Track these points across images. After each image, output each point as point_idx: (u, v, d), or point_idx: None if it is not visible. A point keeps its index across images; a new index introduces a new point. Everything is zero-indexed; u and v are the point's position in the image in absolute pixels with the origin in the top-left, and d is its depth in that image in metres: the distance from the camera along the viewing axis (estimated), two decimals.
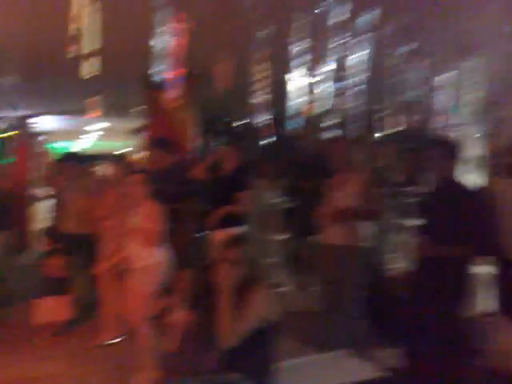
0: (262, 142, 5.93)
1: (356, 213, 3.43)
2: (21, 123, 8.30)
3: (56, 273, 4.29)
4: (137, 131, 12.03)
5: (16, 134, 7.78)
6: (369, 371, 2.77)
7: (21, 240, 8.17)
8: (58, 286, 4.26)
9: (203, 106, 6.10)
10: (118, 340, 4.08)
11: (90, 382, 3.47)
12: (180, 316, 2.61)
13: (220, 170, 4.34)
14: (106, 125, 11.45)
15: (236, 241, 2.65)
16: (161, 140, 4.71)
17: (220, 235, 3.76)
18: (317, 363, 2.90)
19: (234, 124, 5.99)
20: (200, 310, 2.49)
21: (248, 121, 5.75)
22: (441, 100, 5.01)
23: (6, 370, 3.62)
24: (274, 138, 6.37)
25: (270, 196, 5.16)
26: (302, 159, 5.96)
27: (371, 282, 3.52)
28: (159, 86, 5.38)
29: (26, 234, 8.73)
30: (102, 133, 13.10)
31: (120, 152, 15.74)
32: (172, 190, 4.24)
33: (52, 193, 5.76)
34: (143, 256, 3.35)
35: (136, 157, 11.32)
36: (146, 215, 3.35)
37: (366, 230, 3.55)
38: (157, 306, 3.31)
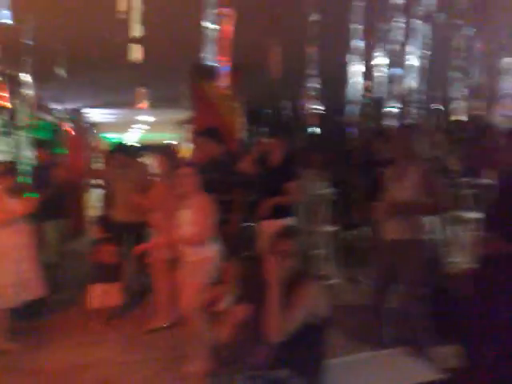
0: (311, 132, 5.79)
1: (415, 207, 3.22)
2: (74, 115, 8.56)
3: (108, 260, 4.37)
4: (184, 122, 12.20)
5: (69, 126, 8.03)
6: (427, 372, 2.61)
7: (75, 227, 8.50)
8: (110, 273, 4.34)
9: (250, 96, 6.05)
10: (169, 327, 4.13)
11: (141, 368, 3.51)
12: (231, 308, 2.56)
13: (267, 162, 4.27)
14: (154, 117, 11.64)
15: (287, 232, 2.57)
16: (209, 130, 4.66)
17: (270, 226, 3.70)
18: (371, 361, 2.76)
19: (282, 114, 5.87)
20: (250, 303, 2.43)
21: (296, 110, 5.62)
22: (506, 86, 4.67)
23: (60, 355, 3.74)
24: (325, 127, 6.21)
25: (318, 186, 5.02)
26: (354, 148, 5.79)
27: (432, 277, 3.33)
28: (206, 76, 5.39)
29: (80, 221, 9.08)
30: (150, 125, 13.35)
31: (168, 143, 16.07)
32: (220, 180, 4.20)
33: (102, 182, 5.91)
34: (195, 248, 3.35)
35: (183, 148, 11.48)
36: (198, 207, 3.34)
37: (426, 222, 3.35)
38: (207, 296, 3.31)
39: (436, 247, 3.94)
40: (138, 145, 17.56)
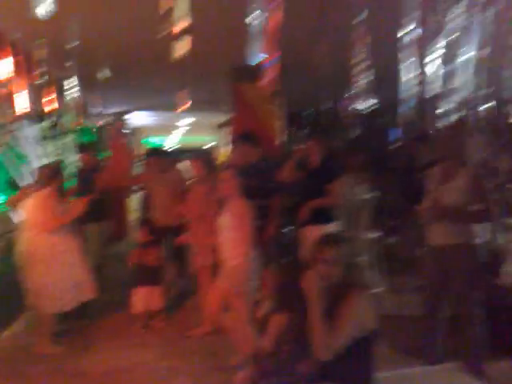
0: (352, 133, 5.63)
1: (465, 213, 3.03)
2: (117, 119, 8.74)
3: (151, 262, 4.37)
4: (223, 125, 12.25)
5: (112, 129, 8.20)
6: None
7: (117, 230, 8.66)
8: (152, 276, 4.35)
9: (290, 98, 5.96)
10: (211, 333, 4.08)
11: (181, 374, 3.48)
12: (270, 316, 2.47)
13: (307, 165, 4.17)
14: (193, 119, 11.75)
15: (331, 239, 2.45)
16: (246, 134, 4.60)
17: (312, 232, 3.60)
18: (422, 376, 2.61)
19: (323, 115, 5.75)
20: (290, 312, 2.33)
21: (337, 111, 5.48)
22: None
23: (102, 358, 3.77)
24: (367, 129, 6.04)
25: (359, 190, 4.84)
26: (394, 150, 5.59)
27: (486, 287, 3.12)
28: (246, 78, 5.35)
29: (122, 224, 9.24)
30: (189, 128, 13.49)
31: (206, 147, 16.21)
32: (258, 186, 4.12)
33: (142, 186, 5.97)
34: (234, 254, 3.29)
35: (222, 151, 11.52)
36: (237, 213, 3.28)
37: (476, 228, 3.14)
38: (247, 303, 3.28)
39: (488, 254, 3.71)
40: (177, 149, 17.83)
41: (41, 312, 3.85)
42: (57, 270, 3.82)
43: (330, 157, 4.17)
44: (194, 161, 4.34)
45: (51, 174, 3.98)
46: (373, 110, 5.24)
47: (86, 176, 5.53)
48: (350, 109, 5.10)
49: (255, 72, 5.29)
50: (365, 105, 4.42)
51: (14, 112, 5.95)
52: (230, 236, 3.29)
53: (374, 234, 4.85)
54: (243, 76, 5.30)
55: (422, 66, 2.42)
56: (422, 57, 2.37)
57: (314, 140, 4.13)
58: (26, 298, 3.86)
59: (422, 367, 2.90)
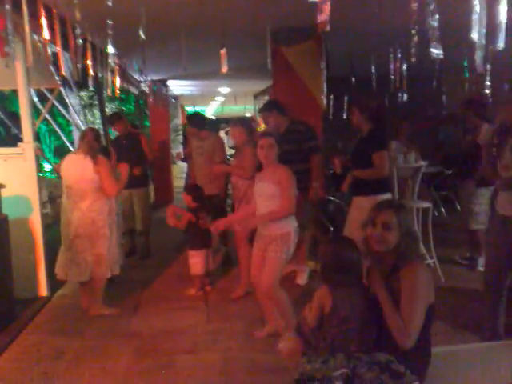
0: (401, 98, 5.33)
1: None
2: (157, 87, 8.69)
3: (202, 226, 4.39)
4: (260, 94, 12.02)
5: (153, 98, 8.16)
6: None
7: (162, 197, 8.78)
8: (203, 240, 4.39)
9: (333, 61, 5.70)
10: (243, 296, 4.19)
11: (228, 335, 3.53)
12: (315, 288, 2.36)
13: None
14: (230, 89, 11.58)
15: (390, 203, 2.31)
16: (274, 102, 4.69)
17: (365, 202, 3.48)
18: (479, 353, 2.46)
19: (368, 79, 5.47)
20: (335, 288, 2.21)
21: (385, 75, 5.20)
22: None
23: (151, 321, 3.86)
24: (417, 93, 5.71)
25: (409, 159, 4.62)
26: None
27: None
28: (288, 41, 5.13)
29: (167, 191, 9.38)
30: (226, 96, 13.35)
31: (244, 115, 16.06)
32: (293, 149, 4.18)
33: (183, 154, 5.95)
34: (275, 222, 3.22)
35: (258, 120, 11.35)
36: (278, 180, 3.20)
37: None
38: (286, 271, 3.24)
39: None
40: (216, 118, 17.80)
41: (96, 278, 3.90)
42: (115, 235, 3.93)
43: (379, 125, 3.96)
44: (233, 128, 4.26)
45: (95, 140, 3.93)
46: (424, 72, 4.94)
47: (125, 144, 5.55)
48: (397, 72, 4.82)
49: (298, 34, 5.09)
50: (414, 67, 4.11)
51: (55, 79, 6.00)
52: (270, 203, 3.21)
53: (425, 204, 4.64)
54: (286, 39, 5.08)
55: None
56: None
57: (358, 109, 3.93)
58: (72, 268, 3.87)
59: (480, 343, 2.76)
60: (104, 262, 3.85)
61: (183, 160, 7.63)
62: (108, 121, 6.31)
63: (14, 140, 7.49)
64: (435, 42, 2.09)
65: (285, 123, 4.44)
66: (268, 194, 3.23)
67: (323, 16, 2.05)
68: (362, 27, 4.85)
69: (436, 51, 2.11)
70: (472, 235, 4.86)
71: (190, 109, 15.46)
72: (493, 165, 3.02)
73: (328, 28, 2.09)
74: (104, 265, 3.86)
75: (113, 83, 4.48)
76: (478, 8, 2.03)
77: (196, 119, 5.29)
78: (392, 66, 4.83)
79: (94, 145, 3.89)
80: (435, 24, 2.06)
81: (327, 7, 2.05)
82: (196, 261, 4.33)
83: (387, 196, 3.82)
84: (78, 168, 3.82)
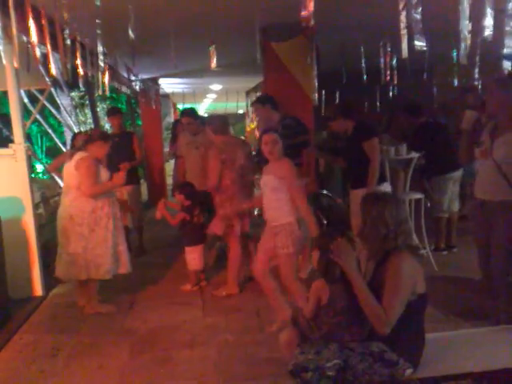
0: (391, 91, 5.38)
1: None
2: (148, 85, 8.66)
3: (197, 221, 4.42)
4: (252, 91, 12.03)
5: (144, 96, 8.15)
6: None
7: (157, 194, 8.76)
8: (197, 236, 4.41)
9: (323, 56, 5.71)
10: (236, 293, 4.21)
11: (225, 330, 3.55)
12: (313, 281, 2.39)
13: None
14: (221, 86, 11.58)
15: (377, 196, 2.32)
16: (266, 97, 4.72)
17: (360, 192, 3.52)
18: (472, 338, 2.50)
19: (358, 74, 5.49)
20: (331, 281, 2.24)
21: (373, 69, 5.22)
22: None
23: (149, 316, 3.88)
24: (407, 86, 5.75)
25: (399, 150, 4.65)
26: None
27: None
28: (278, 37, 5.14)
29: (160, 188, 9.36)
30: (217, 94, 13.34)
31: (236, 112, 16.05)
32: (288, 144, 4.14)
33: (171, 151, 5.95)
34: (281, 214, 3.30)
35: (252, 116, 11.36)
36: (283, 174, 3.29)
37: None
38: (294, 263, 3.32)
39: None
40: (208, 115, 17.75)
41: (80, 278, 3.89)
42: (97, 235, 3.80)
43: (358, 118, 4.07)
44: (207, 127, 4.29)
45: (87, 139, 3.93)
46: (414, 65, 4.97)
47: (118, 142, 5.53)
48: (386, 65, 4.85)
49: (286, 31, 5.10)
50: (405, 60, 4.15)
51: (45, 80, 5.98)
52: (276, 197, 3.30)
53: (417, 195, 4.69)
54: (275, 35, 5.09)
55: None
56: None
57: (341, 114, 4.01)
58: (60, 264, 3.88)
59: (472, 330, 2.80)
60: (78, 261, 3.77)
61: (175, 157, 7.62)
62: (107, 113, 6.33)
63: (5, 141, 7.45)
64: (418, 34, 2.12)
65: (276, 118, 4.46)
66: (271, 187, 3.33)
67: (307, 11, 2.08)
68: (350, 21, 4.86)
69: (419, 43, 2.14)
70: (435, 223, 5.01)
71: (181, 106, 15.44)
72: (470, 150, 3.11)
73: (312, 22, 2.12)
74: (78, 265, 3.78)
75: (103, 83, 4.48)
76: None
77: (190, 111, 5.37)
78: (382, 60, 4.87)
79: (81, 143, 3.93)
80: (418, 17, 2.09)
81: (311, 2, 2.08)
82: (193, 256, 4.35)
83: (385, 186, 3.89)
84: (69, 164, 3.85)
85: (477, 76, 4.56)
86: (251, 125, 12.29)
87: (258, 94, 10.58)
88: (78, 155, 3.82)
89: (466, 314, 3.48)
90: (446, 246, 5.07)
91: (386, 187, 3.91)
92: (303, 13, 2.15)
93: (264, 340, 3.29)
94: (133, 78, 7.28)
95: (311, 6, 2.17)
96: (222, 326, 3.61)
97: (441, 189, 4.85)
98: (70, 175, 3.83)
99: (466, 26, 2.05)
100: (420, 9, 2.08)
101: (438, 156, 4.75)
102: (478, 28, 2.20)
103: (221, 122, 4.27)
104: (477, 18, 2.17)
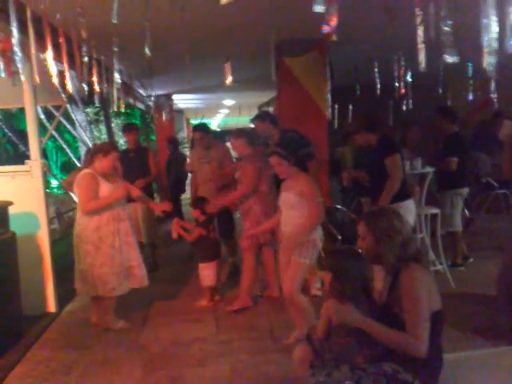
0: (406, 106, 5.34)
1: None
2: (162, 101, 8.75)
3: (213, 237, 4.43)
4: (264, 105, 12.09)
5: (158, 112, 8.23)
6: None
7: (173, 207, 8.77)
8: (211, 252, 4.39)
9: (337, 72, 5.71)
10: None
11: (238, 347, 3.50)
12: (324, 298, 2.34)
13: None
14: (234, 102, 11.65)
15: (381, 212, 2.29)
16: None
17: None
18: (492, 358, 2.41)
19: (371, 89, 5.48)
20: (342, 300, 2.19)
21: (387, 85, 5.20)
22: None
23: (162, 333, 3.84)
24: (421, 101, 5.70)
25: (417, 164, 4.59)
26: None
27: None
28: (293, 52, 5.16)
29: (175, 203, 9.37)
30: (231, 109, 13.42)
31: (248, 126, 16.10)
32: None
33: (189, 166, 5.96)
34: (300, 229, 3.28)
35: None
36: (300, 191, 3.27)
37: None
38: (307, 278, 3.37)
39: None
40: (221, 130, 17.88)
41: (90, 294, 3.87)
42: (103, 252, 3.71)
43: (384, 135, 4.06)
44: (234, 140, 4.26)
45: (92, 154, 3.89)
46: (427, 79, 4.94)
47: (129, 156, 5.56)
48: (399, 81, 4.83)
49: (302, 45, 5.12)
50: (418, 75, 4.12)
51: (61, 96, 6.06)
52: (292, 213, 3.29)
53: (433, 210, 4.61)
54: (289, 50, 5.11)
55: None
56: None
57: (365, 128, 4.01)
58: (76, 279, 3.87)
59: (490, 349, 2.72)
60: (86, 278, 3.74)
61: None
62: (122, 129, 6.41)
63: (21, 157, 7.56)
64: (450, 47, 2.03)
65: (276, 134, 4.48)
66: (290, 204, 3.31)
67: (330, 26, 2.03)
68: (366, 36, 4.86)
69: (451, 57, 2.06)
70: (451, 238, 4.94)
71: (195, 122, 15.58)
72: None
73: (335, 38, 2.07)
74: (87, 282, 3.75)
75: (118, 99, 4.52)
76: (488, 12, 2.00)
77: (202, 126, 5.43)
78: (396, 74, 4.84)
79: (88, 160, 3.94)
80: (448, 29, 2.02)
81: (335, 17, 2.03)
82: (209, 273, 4.32)
83: (409, 202, 3.82)
84: (75, 182, 3.85)
85: (493, 89, 4.51)
86: None
87: (271, 108, 10.63)
88: (81, 172, 3.83)
89: (485, 333, 3.38)
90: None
91: (409, 204, 3.82)
92: (325, 27, 2.10)
93: (277, 359, 3.23)
94: (147, 93, 7.36)
95: (334, 21, 2.10)
96: (235, 344, 3.55)
97: (454, 203, 4.80)
98: (75, 193, 3.86)
99: (492, 39, 1.97)
100: (450, 22, 1.99)
101: (457, 169, 4.70)
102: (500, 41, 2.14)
103: (250, 136, 4.31)
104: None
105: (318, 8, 1.91)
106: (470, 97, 5.43)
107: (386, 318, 2.05)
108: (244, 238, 4.09)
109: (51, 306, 4.31)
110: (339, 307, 2.10)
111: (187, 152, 11.69)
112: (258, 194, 4.08)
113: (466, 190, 4.90)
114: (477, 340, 3.32)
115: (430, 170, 4.58)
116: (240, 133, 4.39)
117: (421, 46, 2.28)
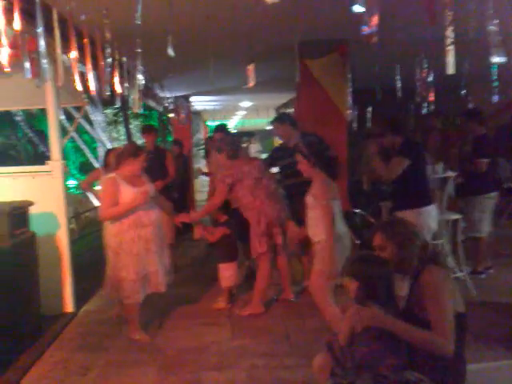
0: (427, 109, 5.25)
1: None
2: (181, 103, 8.78)
3: (233, 238, 4.42)
4: (281, 107, 12.03)
5: (176, 114, 8.25)
6: None
7: (186, 208, 8.80)
8: (231, 253, 4.40)
9: (358, 74, 5.66)
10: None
11: (254, 352, 3.46)
12: (349, 308, 2.28)
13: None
14: (251, 103, 11.63)
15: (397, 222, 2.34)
16: (286, 116, 4.81)
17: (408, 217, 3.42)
18: None
19: (393, 92, 5.41)
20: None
21: (410, 88, 5.13)
22: None
23: (177, 336, 3.83)
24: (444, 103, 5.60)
25: (439, 169, 4.50)
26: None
27: None
28: (314, 54, 5.11)
29: (190, 204, 9.40)
30: (247, 111, 13.41)
31: (264, 128, 16.10)
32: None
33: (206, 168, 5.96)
34: (317, 232, 3.32)
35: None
36: (314, 192, 3.32)
37: None
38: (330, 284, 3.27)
39: None
40: (238, 131, 17.92)
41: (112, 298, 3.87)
42: (121, 258, 3.60)
43: (411, 138, 4.05)
44: (279, 125, 4.45)
45: (121, 157, 3.73)
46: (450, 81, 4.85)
47: (149, 157, 5.55)
48: (422, 84, 4.75)
49: (323, 47, 5.08)
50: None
51: (83, 97, 6.10)
52: (313, 214, 3.35)
53: (454, 215, 4.52)
54: (310, 52, 5.06)
55: None
56: None
57: (391, 130, 3.94)
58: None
59: None
60: (109, 282, 3.74)
61: (205, 174, 7.66)
62: (142, 130, 6.47)
63: (41, 157, 7.65)
64: (497, 47, 1.95)
65: (295, 136, 4.46)
66: (307, 205, 3.39)
67: (370, 27, 1.97)
68: (389, 38, 4.78)
69: (498, 58, 1.98)
70: (474, 244, 4.83)
71: (211, 124, 15.64)
72: None
73: (375, 40, 2.01)
74: (110, 286, 3.73)
75: (139, 100, 4.52)
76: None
77: (222, 126, 5.49)
78: (418, 76, 4.77)
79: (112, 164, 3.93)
80: (494, 28, 1.94)
81: (375, 18, 1.97)
82: (230, 273, 4.32)
83: (431, 208, 3.76)
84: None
85: None
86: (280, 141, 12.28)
87: (289, 110, 10.57)
88: (105, 177, 3.82)
89: (507, 343, 3.30)
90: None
91: (431, 210, 3.75)
92: (364, 29, 2.04)
93: (293, 364, 3.19)
94: (165, 95, 7.39)
95: (375, 20, 2.03)
96: (251, 349, 3.51)
97: (484, 208, 4.68)
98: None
99: None
100: (497, 21, 1.91)
101: (485, 173, 4.62)
102: None
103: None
104: None
105: (358, 8, 1.86)
106: (496, 98, 5.31)
107: (408, 321, 2.01)
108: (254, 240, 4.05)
109: (69, 306, 4.34)
110: (364, 311, 2.05)
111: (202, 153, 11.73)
112: (254, 196, 4.08)
113: (496, 194, 4.77)
114: (498, 350, 3.23)
115: (451, 174, 4.48)
116: (285, 117, 4.50)
117: (449, 48, 2.22)
